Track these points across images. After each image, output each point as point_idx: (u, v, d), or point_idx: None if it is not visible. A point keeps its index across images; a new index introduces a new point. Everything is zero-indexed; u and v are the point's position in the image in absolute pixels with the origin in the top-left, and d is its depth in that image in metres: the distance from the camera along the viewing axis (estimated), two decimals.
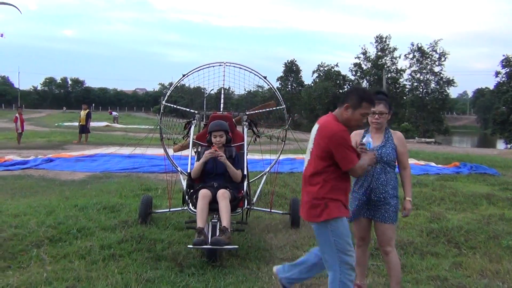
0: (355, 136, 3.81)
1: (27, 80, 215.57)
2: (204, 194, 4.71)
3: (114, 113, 45.81)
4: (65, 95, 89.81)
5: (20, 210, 6.20)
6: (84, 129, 20.00)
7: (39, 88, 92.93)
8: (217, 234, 4.47)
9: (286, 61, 64.09)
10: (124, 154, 12.91)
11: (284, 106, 6.31)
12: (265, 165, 9.83)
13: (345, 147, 3.16)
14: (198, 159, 5.28)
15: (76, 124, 23.21)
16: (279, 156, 6.50)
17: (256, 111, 6.38)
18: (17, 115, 18.75)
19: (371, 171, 3.65)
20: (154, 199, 6.95)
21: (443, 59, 50.34)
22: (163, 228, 5.65)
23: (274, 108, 6.44)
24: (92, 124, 23.62)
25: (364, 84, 54.16)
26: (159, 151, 11.28)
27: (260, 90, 62.10)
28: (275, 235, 5.68)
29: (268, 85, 6.43)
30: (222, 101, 6.37)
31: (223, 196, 4.69)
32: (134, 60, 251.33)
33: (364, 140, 3.62)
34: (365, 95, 3.26)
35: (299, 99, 59.09)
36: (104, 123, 36.55)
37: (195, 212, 4.66)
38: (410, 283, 4.25)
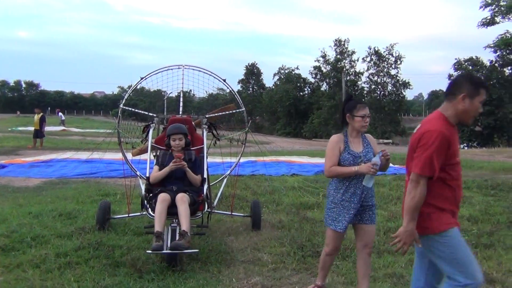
0: (339, 143, 3.72)
1: None
2: (163, 198, 4.67)
3: (60, 113, 42.91)
4: (19, 99, 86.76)
5: None
6: (38, 133, 19.39)
7: None
8: (177, 238, 4.44)
9: (248, 64, 64.53)
10: (81, 159, 12.67)
11: (244, 109, 6.33)
12: (225, 168, 9.85)
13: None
14: (158, 163, 5.22)
15: (31, 128, 22.48)
16: (239, 159, 6.52)
17: (216, 114, 6.37)
18: None
19: (361, 177, 3.65)
20: (113, 205, 6.93)
21: (399, 62, 51.70)
22: (122, 234, 5.55)
23: (234, 111, 6.45)
24: (48, 128, 22.97)
25: (324, 87, 55.05)
26: (118, 156, 11.08)
27: (222, 93, 62.18)
28: (236, 238, 5.67)
29: (228, 88, 6.43)
30: (181, 104, 6.34)
31: (182, 200, 4.66)
32: (92, 63, 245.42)
33: (374, 160, 3.57)
34: (480, 81, 2.85)
35: (260, 102, 59.44)
36: (61, 127, 35.56)
37: (154, 216, 4.60)
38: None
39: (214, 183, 6.81)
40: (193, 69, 6.22)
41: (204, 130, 5.78)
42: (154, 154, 5.65)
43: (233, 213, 6.25)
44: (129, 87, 6.25)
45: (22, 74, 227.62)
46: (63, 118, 41.48)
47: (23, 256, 4.68)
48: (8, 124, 38.81)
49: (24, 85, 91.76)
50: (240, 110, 6.34)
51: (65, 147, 18.64)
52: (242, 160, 6.62)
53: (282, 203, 7.65)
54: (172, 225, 4.64)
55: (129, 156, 6.32)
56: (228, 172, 6.56)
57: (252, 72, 64.46)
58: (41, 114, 19.95)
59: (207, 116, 6.13)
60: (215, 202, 6.05)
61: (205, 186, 5.07)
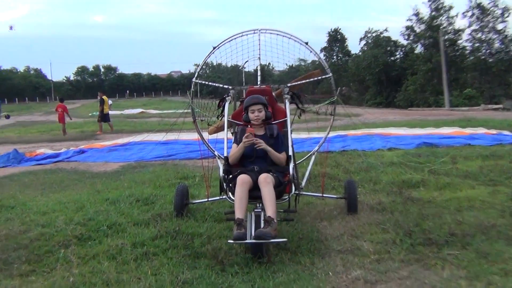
0: None
1: (59, 71, 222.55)
2: (243, 180, 4.43)
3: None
4: (99, 84, 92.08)
5: (48, 207, 6.21)
6: (103, 117, 20.17)
7: (71, 78, 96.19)
8: (262, 225, 4.18)
9: (330, 30, 62.89)
10: (158, 141, 12.99)
11: (331, 74, 5.89)
12: (312, 144, 9.52)
13: None
14: (236, 141, 5.04)
15: (111, 112, 23.68)
16: (328, 133, 6.15)
17: (299, 82, 6.02)
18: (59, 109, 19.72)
19: None
20: (192, 188, 6.94)
21: (506, 15, 47.62)
22: (201, 220, 5.44)
23: (320, 78, 6.09)
24: (127, 111, 23.94)
25: (419, 49, 52.29)
26: (195, 135, 11.19)
27: (303, 64, 61.51)
28: (329, 223, 5.34)
29: (311, 51, 6.01)
30: (259, 73, 6.09)
31: (266, 181, 4.38)
32: (167, 43, 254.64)
33: None
34: None
35: (346, 71, 57.91)
36: (139, 110, 37.15)
37: (234, 201, 4.41)
38: (497, 275, 3.79)
39: (301, 161, 6.53)
40: (270, 33, 5.88)
41: (286, 101, 5.45)
42: (231, 131, 5.55)
43: (324, 195, 5.93)
44: (205, 64, 6.09)
45: (100, 59, 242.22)
46: (111, 102, 43.21)
47: (99, 246, 4.67)
48: (89, 110, 41.41)
49: (102, 70, 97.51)
50: (327, 76, 5.92)
51: (143, 129, 19.33)
52: (330, 134, 6.37)
53: (381, 182, 7.27)
54: (255, 210, 4.40)
55: (206, 135, 6.23)
56: (316, 148, 6.21)
57: (336, 39, 62.76)
58: (102, 96, 20.53)
59: (288, 85, 5.81)
60: (303, 182, 5.81)
61: (291, 165, 4.74)
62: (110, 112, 22.05)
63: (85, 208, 6.04)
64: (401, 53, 55.63)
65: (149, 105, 49.86)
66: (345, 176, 7.71)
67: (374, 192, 6.68)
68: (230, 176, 4.73)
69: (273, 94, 5.71)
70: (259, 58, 5.92)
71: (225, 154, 4.96)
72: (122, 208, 6.02)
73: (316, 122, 6.32)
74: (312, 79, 6.09)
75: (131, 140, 14.19)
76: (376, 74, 52.78)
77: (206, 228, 5.12)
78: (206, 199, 5.81)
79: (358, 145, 11.25)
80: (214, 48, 5.80)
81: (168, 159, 10.66)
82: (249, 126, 4.97)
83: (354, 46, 67.89)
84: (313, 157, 6.27)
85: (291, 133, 5.19)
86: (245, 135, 4.74)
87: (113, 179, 8.55)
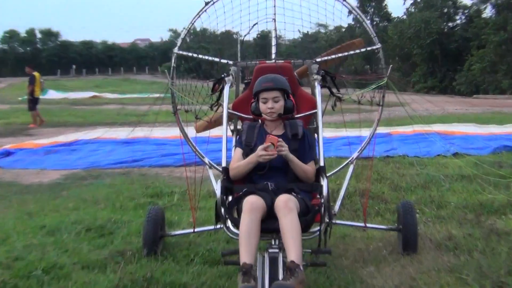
0: None
1: None
2: (252, 204, 4.22)
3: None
4: (34, 54, 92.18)
5: None
6: (34, 103, 19.97)
7: None
8: (281, 275, 4.00)
9: None
10: (119, 139, 13.09)
11: (380, 45, 5.81)
12: (342, 146, 9.50)
13: None
14: (241, 144, 4.93)
15: (47, 96, 23.44)
16: (374, 131, 6.06)
17: (334, 56, 5.87)
18: None
19: None
20: (169, 212, 6.93)
21: None
22: (184, 262, 5.34)
23: (363, 50, 5.95)
24: (73, 95, 23.79)
25: (488, 12, 52.36)
26: (174, 132, 10.83)
27: (323, 31, 61.57)
28: (377, 269, 5.18)
29: (349, 9, 6.00)
30: (273, 42, 5.98)
31: (287, 206, 4.16)
32: (131, 2, 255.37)
33: None
34: None
35: (385, 42, 57.94)
36: (90, 93, 37.06)
37: (238, 235, 4.23)
38: None
39: (333, 173, 6.48)
40: None
41: (316, 84, 5.25)
42: (232, 128, 5.55)
43: (368, 225, 5.92)
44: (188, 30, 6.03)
45: (37, 21, 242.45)
46: (43, 81, 42.85)
47: None
48: (19, 92, 41.12)
49: (39, 36, 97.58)
50: (374, 47, 5.82)
51: (96, 122, 19.22)
52: (363, 133, 6.54)
53: (448, 205, 7.22)
54: (270, 250, 4.22)
55: (192, 132, 6.14)
56: (356, 154, 6.13)
57: None
58: (33, 73, 20.46)
59: (318, 59, 5.69)
60: (336, 206, 5.69)
61: (324, 182, 4.51)
62: (46, 96, 21.72)
63: (10, 240, 5.93)
64: (463, 17, 55.74)
65: (105, 86, 50.14)
66: (393, 195, 7.72)
67: (439, 221, 6.61)
68: (232, 197, 4.64)
69: (295, 73, 5.62)
70: (274, 19, 5.87)
71: (224, 164, 4.80)
72: (66, 241, 5.90)
73: (358, 114, 6.11)
74: (351, 53, 5.99)
75: (79, 137, 14.18)
76: (427, 47, 52.97)
77: (192, 275, 5.01)
78: (192, 230, 5.75)
79: (409, 148, 11.35)
80: (206, 3, 5.75)
81: (134, 166, 10.73)
82: (261, 121, 4.90)
83: (396, 6, 68.31)
84: (351, 168, 6.17)
85: (321, 133, 5.02)
86: (264, 145, 4.57)
87: (52, 195, 8.47)
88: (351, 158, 6.19)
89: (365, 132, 6.40)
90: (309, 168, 4.73)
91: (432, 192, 7.81)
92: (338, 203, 5.79)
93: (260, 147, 4.55)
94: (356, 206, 6.97)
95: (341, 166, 6.42)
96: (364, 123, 6.27)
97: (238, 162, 4.77)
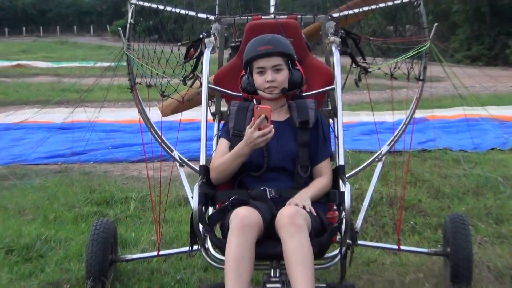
0: None
1: None
2: (244, 219, 4.09)
3: None
4: None
5: None
6: None
7: None
8: None
9: None
10: (53, 123, 13.03)
11: None
12: (364, 134, 9.53)
13: None
14: (226, 134, 4.82)
15: None
16: (412, 114, 6.03)
17: (358, 10, 5.72)
18: None
19: None
20: (122, 227, 6.97)
21: None
22: None
23: (399, 1, 5.84)
24: None
25: None
26: (129, 115, 10.68)
27: None
28: None
29: None
30: None
31: (294, 223, 4.04)
32: None
33: None
34: None
35: None
36: (13, 62, 36.89)
37: (223, 263, 4.18)
38: None
39: (353, 175, 6.55)
40: None
41: (334, 49, 5.07)
42: (214, 110, 5.50)
43: (401, 247, 5.82)
44: None
45: None
46: None
47: None
48: None
49: None
50: None
51: (21, 100, 19.28)
52: (399, 117, 6.64)
53: (510, 218, 7.20)
54: (269, 285, 4.16)
55: (157, 115, 6.13)
56: (386, 147, 6.12)
57: None
58: None
59: (335, 15, 5.56)
60: (358, 220, 5.63)
61: (346, 188, 4.34)
62: None
63: None
64: None
65: (35, 51, 50.14)
66: (434, 204, 7.62)
67: (499, 241, 6.57)
68: (213, 208, 4.64)
69: (302, 33, 5.52)
70: None
71: (203, 160, 4.66)
72: None
73: (391, 91, 6.12)
74: (382, 5, 5.85)
75: None
76: (472, 2, 53.10)
77: None
78: (156, 253, 5.69)
79: (452, 139, 11.34)
80: None
81: (74, 162, 10.61)
82: (255, 102, 4.77)
83: None
84: (378, 167, 6.14)
85: (341, 117, 4.85)
86: (255, 122, 4.42)
87: None
88: (378, 153, 6.16)
89: (390, 117, 6.36)
90: (324, 166, 4.63)
91: (488, 200, 7.72)
92: (361, 216, 5.72)
93: (249, 127, 4.39)
94: (383, 220, 6.94)
95: (365, 164, 6.42)
96: (385, 104, 6.20)
97: (223, 157, 4.63)
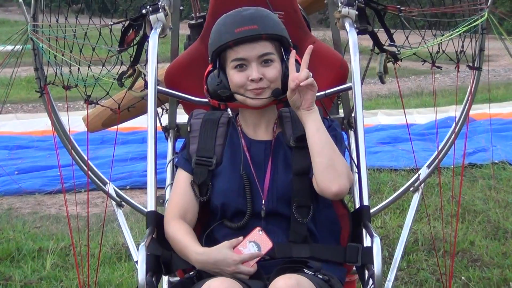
0: None
1: None
2: None
3: None
4: None
5: None
6: None
7: None
8: None
9: None
10: None
11: None
12: (382, 144, 10.60)
13: None
14: (186, 163, 4.07)
15: None
16: (464, 117, 5.51)
17: None
18: None
19: None
20: None
21: None
22: None
23: None
24: None
25: None
26: (44, 121, 10.74)
27: None
28: None
29: None
30: None
31: None
32: None
33: None
34: None
35: None
36: None
37: None
38: None
39: (377, 212, 6.29)
40: None
41: (348, 26, 4.38)
42: (167, 123, 4.82)
43: None
44: None
45: None
46: None
47: None
48: None
49: None
50: None
51: None
52: (426, 117, 6.26)
53: None
54: None
55: (79, 125, 5.72)
56: (427, 169, 5.58)
57: None
58: None
59: None
60: (388, 282, 4.89)
61: (375, 242, 3.69)
62: None
63: None
64: None
65: None
66: (494, 247, 7.09)
67: None
68: (171, 276, 4.20)
69: (300, 7, 4.85)
70: None
71: (151, 206, 3.95)
72: None
73: (431, 79, 5.78)
74: None
75: None
76: None
77: None
78: None
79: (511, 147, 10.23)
80: None
81: None
82: (230, 113, 4.17)
83: None
84: (415, 199, 5.46)
85: (363, 131, 4.18)
86: (243, 240, 3.86)
87: None
88: (414, 178, 5.52)
89: (420, 117, 5.56)
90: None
91: None
92: (391, 276, 5.00)
93: (236, 251, 3.78)
94: (421, 275, 6.26)
95: (394, 196, 5.98)
96: (411, 98, 5.42)
97: (177, 235, 3.85)
